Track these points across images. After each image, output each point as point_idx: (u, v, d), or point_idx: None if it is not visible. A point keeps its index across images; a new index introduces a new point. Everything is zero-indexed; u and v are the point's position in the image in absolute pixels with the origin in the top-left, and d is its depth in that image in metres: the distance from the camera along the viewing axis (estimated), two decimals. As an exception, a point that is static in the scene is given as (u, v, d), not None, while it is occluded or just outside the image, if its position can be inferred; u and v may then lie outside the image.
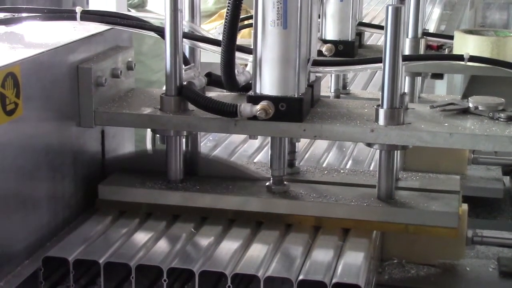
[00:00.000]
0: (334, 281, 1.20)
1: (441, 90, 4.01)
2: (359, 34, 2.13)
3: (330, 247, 1.32)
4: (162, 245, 1.33)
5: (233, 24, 1.35)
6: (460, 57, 1.50)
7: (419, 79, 2.13)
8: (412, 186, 1.47)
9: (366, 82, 2.60)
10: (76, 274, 1.26)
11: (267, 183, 1.47)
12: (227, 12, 1.33)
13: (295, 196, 1.43)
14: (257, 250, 1.32)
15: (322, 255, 1.30)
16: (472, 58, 1.49)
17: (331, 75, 2.19)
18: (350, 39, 2.00)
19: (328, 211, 1.40)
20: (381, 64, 1.35)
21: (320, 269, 1.24)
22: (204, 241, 1.35)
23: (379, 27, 2.19)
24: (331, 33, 2.00)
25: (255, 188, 1.47)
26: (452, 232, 1.36)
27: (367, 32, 2.25)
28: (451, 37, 2.00)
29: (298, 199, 1.42)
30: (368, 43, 2.38)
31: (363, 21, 2.24)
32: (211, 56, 1.56)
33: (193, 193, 1.45)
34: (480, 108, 1.41)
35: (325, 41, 1.99)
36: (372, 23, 2.49)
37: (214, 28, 2.47)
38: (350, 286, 1.19)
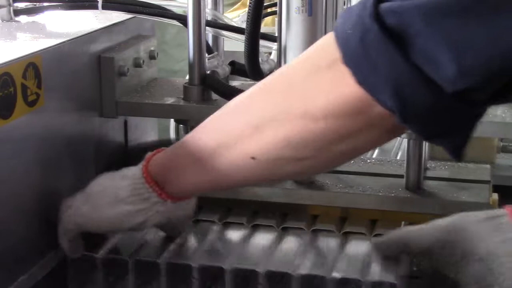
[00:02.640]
0: (370, 279, 1.17)
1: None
2: None
3: (360, 240, 1.30)
4: (189, 240, 1.30)
5: (257, 12, 1.32)
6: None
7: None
8: (441, 176, 1.44)
9: None
10: (104, 270, 1.25)
11: None
12: (250, 0, 1.31)
13: (321, 187, 1.40)
14: (288, 243, 1.29)
15: (353, 249, 1.27)
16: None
17: None
18: None
19: (355, 202, 1.38)
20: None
21: (355, 266, 1.21)
22: (231, 236, 1.33)
23: None
24: None
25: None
26: None
27: None
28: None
29: (324, 189, 1.39)
30: None
31: None
32: (234, 44, 1.53)
33: None
34: (510, 96, 1.38)
35: None
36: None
37: (238, 16, 2.44)
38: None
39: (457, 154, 0.89)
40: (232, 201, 1.42)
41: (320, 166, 0.99)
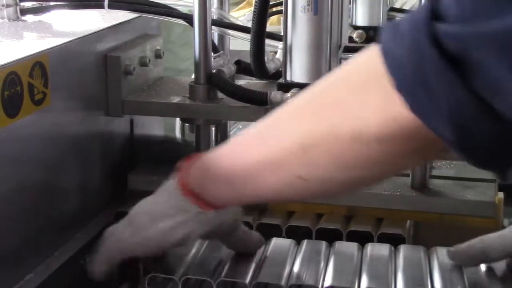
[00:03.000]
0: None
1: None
2: (390, 20, 2.10)
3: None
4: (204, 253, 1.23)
5: (263, 11, 1.33)
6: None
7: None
8: (446, 175, 1.44)
9: None
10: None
11: None
12: (256, -1, 1.31)
13: None
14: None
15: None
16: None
17: None
18: (381, 25, 1.97)
19: (361, 200, 1.38)
20: (414, 50, 1.32)
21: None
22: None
23: None
24: (361, 19, 1.97)
25: None
26: (489, 222, 1.33)
27: (399, 17, 2.22)
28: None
29: None
30: None
31: (395, 6, 2.22)
32: (240, 43, 1.54)
33: None
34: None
35: (356, 27, 1.96)
36: (404, 8, 2.46)
37: (243, 15, 2.44)
38: None
39: (506, 176, 0.86)
40: None
41: (370, 182, 0.95)
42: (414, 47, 0.75)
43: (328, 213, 1.39)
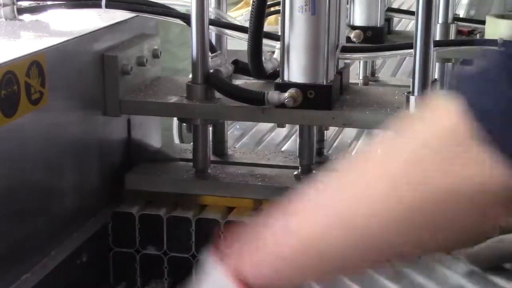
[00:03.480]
0: None
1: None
2: (388, 20, 2.09)
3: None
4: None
5: (260, 10, 1.33)
6: (493, 42, 1.46)
7: (449, 65, 2.09)
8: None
9: (395, 68, 2.56)
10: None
11: (295, 172, 1.45)
12: (254, -1, 1.31)
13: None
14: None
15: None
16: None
17: (359, 62, 2.16)
18: (378, 25, 1.96)
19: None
20: (411, 50, 1.32)
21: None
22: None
23: (409, 12, 2.16)
24: (359, 19, 1.97)
25: (283, 177, 1.44)
26: None
27: (396, 18, 2.21)
28: (482, 22, 1.95)
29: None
30: (397, 29, 2.35)
31: (392, 6, 2.21)
32: (237, 42, 1.53)
33: (220, 182, 1.44)
34: None
35: (353, 27, 1.96)
36: (402, 8, 2.46)
37: (241, 15, 2.45)
38: None
39: None
40: (235, 200, 1.42)
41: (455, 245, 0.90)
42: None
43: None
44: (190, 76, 1.43)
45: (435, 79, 1.37)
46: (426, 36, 1.30)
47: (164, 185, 1.44)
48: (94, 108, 1.42)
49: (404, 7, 2.88)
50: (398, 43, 1.65)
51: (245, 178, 1.44)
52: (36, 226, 1.22)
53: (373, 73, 2.25)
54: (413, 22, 2.43)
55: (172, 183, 1.44)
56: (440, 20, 1.95)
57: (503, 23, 1.83)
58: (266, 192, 1.40)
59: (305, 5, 1.31)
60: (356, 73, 2.17)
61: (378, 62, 2.38)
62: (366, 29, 1.95)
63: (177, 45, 3.32)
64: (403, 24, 2.61)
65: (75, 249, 1.29)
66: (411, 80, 1.33)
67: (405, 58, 2.42)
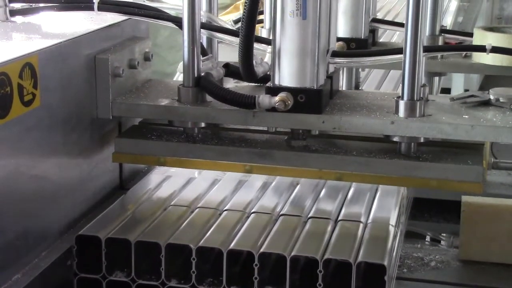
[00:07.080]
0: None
1: (458, 83, 3.98)
2: (373, 31, 1.99)
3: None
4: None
5: (252, 15, 1.33)
6: (482, 48, 1.48)
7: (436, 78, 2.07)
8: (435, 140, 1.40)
9: (380, 81, 2.49)
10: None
11: (286, 137, 1.45)
12: (245, 3, 1.32)
13: (314, 151, 1.40)
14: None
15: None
16: (495, 49, 1.47)
17: (343, 74, 2.09)
18: (363, 37, 1.88)
19: (348, 166, 1.38)
20: (401, 55, 1.34)
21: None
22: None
23: (395, 23, 2.11)
24: (342, 30, 1.88)
25: (274, 142, 1.44)
26: (476, 186, 1.33)
27: (381, 28, 2.15)
28: (470, 35, 1.94)
29: (318, 153, 1.39)
30: (381, 41, 2.28)
31: (377, 16, 2.15)
32: (230, 49, 1.54)
33: (211, 146, 1.43)
34: (501, 100, 1.39)
35: (337, 39, 1.89)
36: (386, 19, 2.41)
37: (230, 20, 2.45)
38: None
39: None
40: (226, 165, 1.43)
41: None
42: None
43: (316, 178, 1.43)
44: (181, 78, 1.44)
45: (424, 84, 1.38)
46: (415, 41, 1.31)
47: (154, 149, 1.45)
48: (85, 110, 1.42)
49: (390, 15, 2.85)
50: (388, 48, 1.65)
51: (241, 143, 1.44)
52: (27, 227, 1.23)
53: (357, 86, 2.17)
54: (398, 33, 2.40)
55: (162, 146, 1.45)
56: (428, 32, 1.88)
57: (491, 36, 1.84)
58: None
59: (296, 10, 1.33)
60: (339, 85, 2.11)
61: (363, 74, 2.31)
62: (350, 41, 1.87)
63: (166, 49, 3.32)
64: (388, 35, 2.57)
65: (66, 250, 1.29)
66: (401, 84, 1.34)
67: (389, 71, 2.37)
